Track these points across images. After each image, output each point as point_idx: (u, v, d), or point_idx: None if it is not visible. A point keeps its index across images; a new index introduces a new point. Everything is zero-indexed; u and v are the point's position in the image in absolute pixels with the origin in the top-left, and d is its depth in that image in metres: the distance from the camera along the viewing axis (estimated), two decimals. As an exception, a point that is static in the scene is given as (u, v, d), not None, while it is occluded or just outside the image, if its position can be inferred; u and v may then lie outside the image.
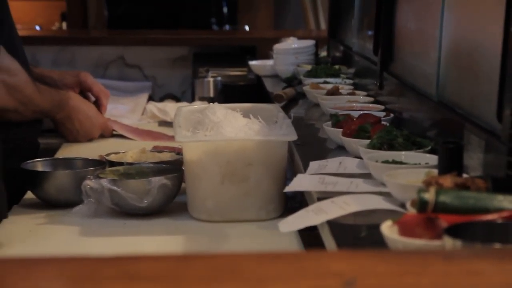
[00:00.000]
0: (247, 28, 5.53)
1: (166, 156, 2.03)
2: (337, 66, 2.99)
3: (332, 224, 1.37)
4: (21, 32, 4.38)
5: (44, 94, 2.31)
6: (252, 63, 3.42)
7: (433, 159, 1.57)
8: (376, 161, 1.60)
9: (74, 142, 2.46)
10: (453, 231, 1.03)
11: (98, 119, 2.49)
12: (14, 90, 2.20)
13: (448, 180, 1.27)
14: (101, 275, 0.80)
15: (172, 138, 2.13)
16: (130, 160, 1.99)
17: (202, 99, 3.25)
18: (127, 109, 3.01)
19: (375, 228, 1.19)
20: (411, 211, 1.24)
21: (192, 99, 3.49)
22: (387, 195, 1.47)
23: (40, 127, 2.40)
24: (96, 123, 2.47)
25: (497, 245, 1.01)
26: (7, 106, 2.21)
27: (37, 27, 5.44)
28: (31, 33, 4.57)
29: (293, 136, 1.77)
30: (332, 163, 1.74)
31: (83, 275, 0.80)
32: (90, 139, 2.48)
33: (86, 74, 2.57)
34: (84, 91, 2.56)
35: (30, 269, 0.82)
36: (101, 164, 1.96)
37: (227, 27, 5.89)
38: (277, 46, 3.27)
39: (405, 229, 1.14)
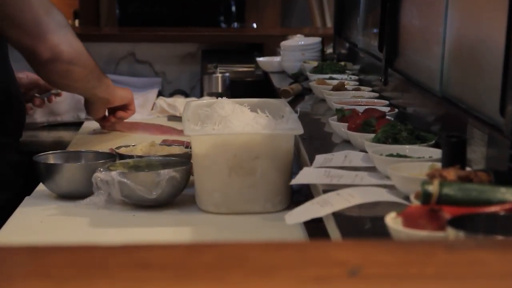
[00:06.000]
0: (254, 25, 5.53)
1: (175, 150, 2.04)
2: (342, 63, 2.99)
3: (337, 216, 1.37)
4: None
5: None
6: (260, 59, 3.43)
7: (436, 153, 1.58)
8: (381, 155, 1.60)
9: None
10: (456, 222, 1.04)
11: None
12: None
13: (451, 173, 1.27)
14: (112, 263, 0.81)
15: (181, 132, 2.14)
16: (139, 153, 2.00)
17: (210, 94, 3.26)
18: (137, 104, 3.02)
19: (380, 220, 1.19)
20: (415, 203, 1.24)
21: (200, 95, 3.49)
22: (391, 188, 1.46)
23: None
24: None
25: (499, 237, 1.01)
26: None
27: (50, 24, 5.44)
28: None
29: (299, 130, 1.78)
30: (338, 157, 1.74)
31: (94, 263, 0.81)
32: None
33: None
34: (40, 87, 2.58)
35: (42, 257, 0.82)
36: (111, 157, 1.97)
37: (235, 24, 5.90)
38: (284, 43, 3.27)
39: (409, 221, 1.14)
